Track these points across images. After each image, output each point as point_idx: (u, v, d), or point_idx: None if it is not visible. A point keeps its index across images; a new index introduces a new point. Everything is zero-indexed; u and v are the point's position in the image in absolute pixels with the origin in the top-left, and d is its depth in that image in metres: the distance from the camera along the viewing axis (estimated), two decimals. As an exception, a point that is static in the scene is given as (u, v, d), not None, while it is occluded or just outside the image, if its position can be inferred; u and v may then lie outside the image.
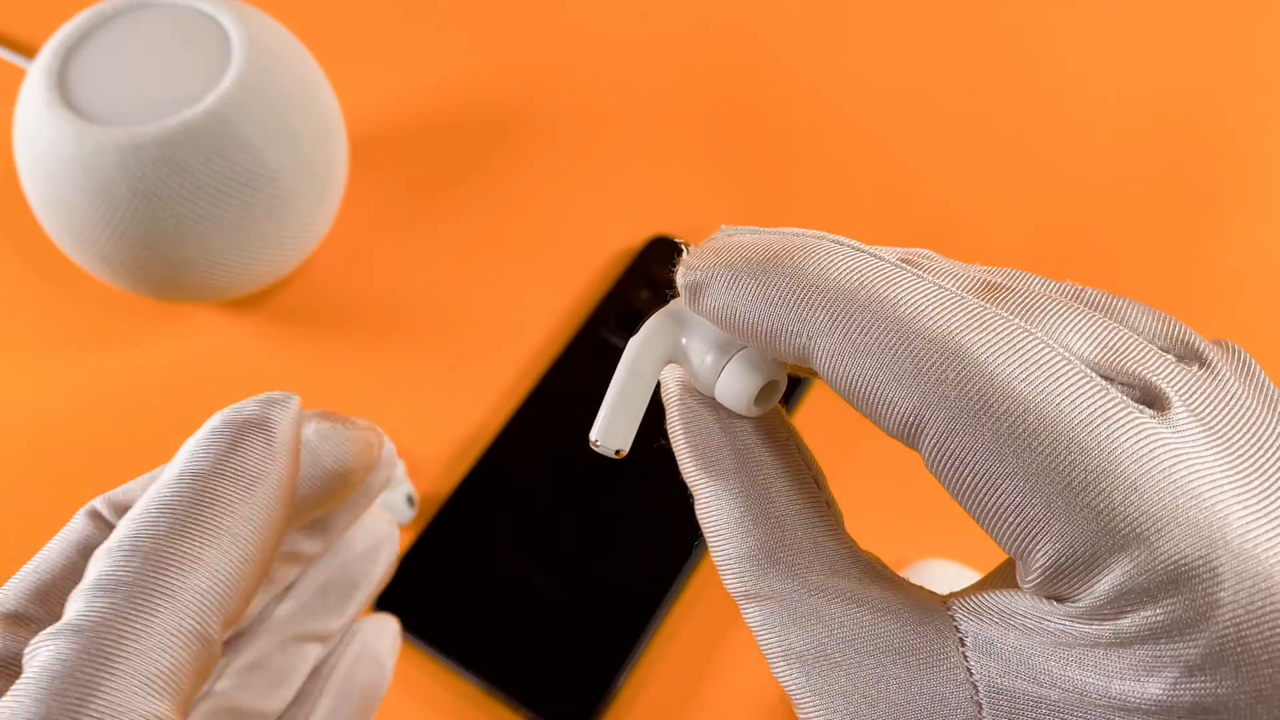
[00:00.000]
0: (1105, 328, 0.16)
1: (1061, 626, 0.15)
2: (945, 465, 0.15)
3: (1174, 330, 0.17)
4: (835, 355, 0.16)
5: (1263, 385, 0.16)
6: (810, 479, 0.19)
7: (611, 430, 0.18)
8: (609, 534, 0.41)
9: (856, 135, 0.55)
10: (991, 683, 0.16)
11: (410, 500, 0.41)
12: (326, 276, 0.49)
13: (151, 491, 0.18)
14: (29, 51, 0.57)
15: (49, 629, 0.16)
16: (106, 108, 0.40)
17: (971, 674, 0.16)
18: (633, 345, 0.19)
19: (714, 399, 0.19)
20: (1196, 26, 0.60)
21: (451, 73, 0.57)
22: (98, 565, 0.17)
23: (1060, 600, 0.15)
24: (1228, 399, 0.16)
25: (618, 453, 0.18)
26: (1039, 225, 0.51)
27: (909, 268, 0.16)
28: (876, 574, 0.18)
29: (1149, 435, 0.14)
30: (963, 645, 0.16)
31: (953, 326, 0.15)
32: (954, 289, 0.16)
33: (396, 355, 0.47)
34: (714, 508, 0.19)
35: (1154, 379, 0.15)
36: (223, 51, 0.42)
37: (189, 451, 0.19)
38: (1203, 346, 0.16)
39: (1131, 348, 0.16)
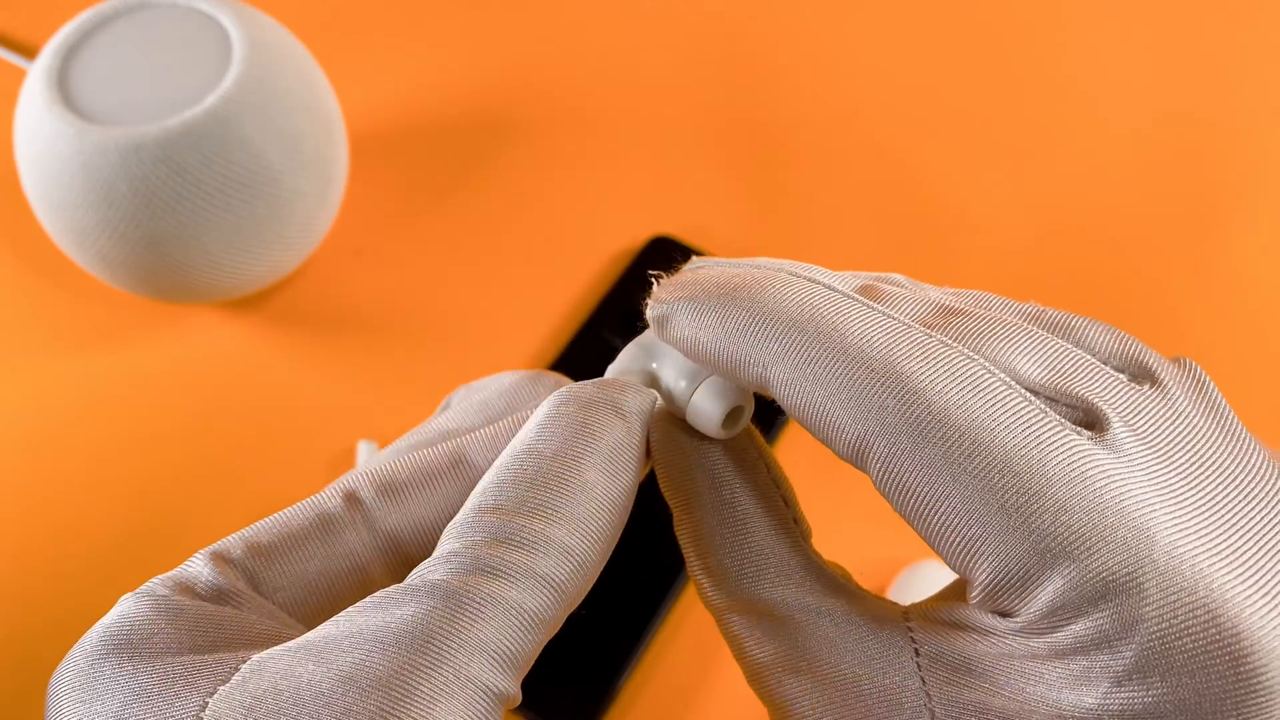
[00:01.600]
0: (1053, 349, 0.17)
1: (1005, 640, 0.16)
2: (890, 487, 0.16)
3: (1129, 349, 0.17)
4: (788, 383, 0.17)
5: (1215, 404, 0.17)
6: (779, 497, 0.20)
7: None
8: (609, 534, 0.41)
9: (857, 135, 0.55)
10: (941, 691, 0.17)
11: (410, 500, 0.41)
12: (327, 277, 0.49)
13: (524, 469, 0.18)
14: (29, 52, 0.57)
15: (414, 581, 0.16)
16: (107, 108, 0.40)
17: (925, 682, 0.17)
18: (609, 372, 0.21)
19: (687, 422, 0.20)
20: (1199, 29, 0.60)
21: (451, 73, 0.57)
22: (471, 535, 0.17)
23: (1003, 614, 0.16)
24: (1174, 417, 0.16)
25: None
26: (1040, 225, 0.51)
27: (859, 299, 0.17)
28: (840, 587, 0.19)
29: (1081, 455, 0.15)
30: (917, 655, 0.17)
31: (894, 355, 0.16)
32: (901, 318, 0.17)
33: (397, 355, 0.47)
34: (686, 525, 0.20)
35: (1095, 400, 0.16)
36: (223, 52, 0.42)
37: (561, 429, 0.19)
38: (1156, 366, 0.17)
39: (1078, 368, 0.17)
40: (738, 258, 0.20)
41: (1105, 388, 0.16)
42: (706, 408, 0.19)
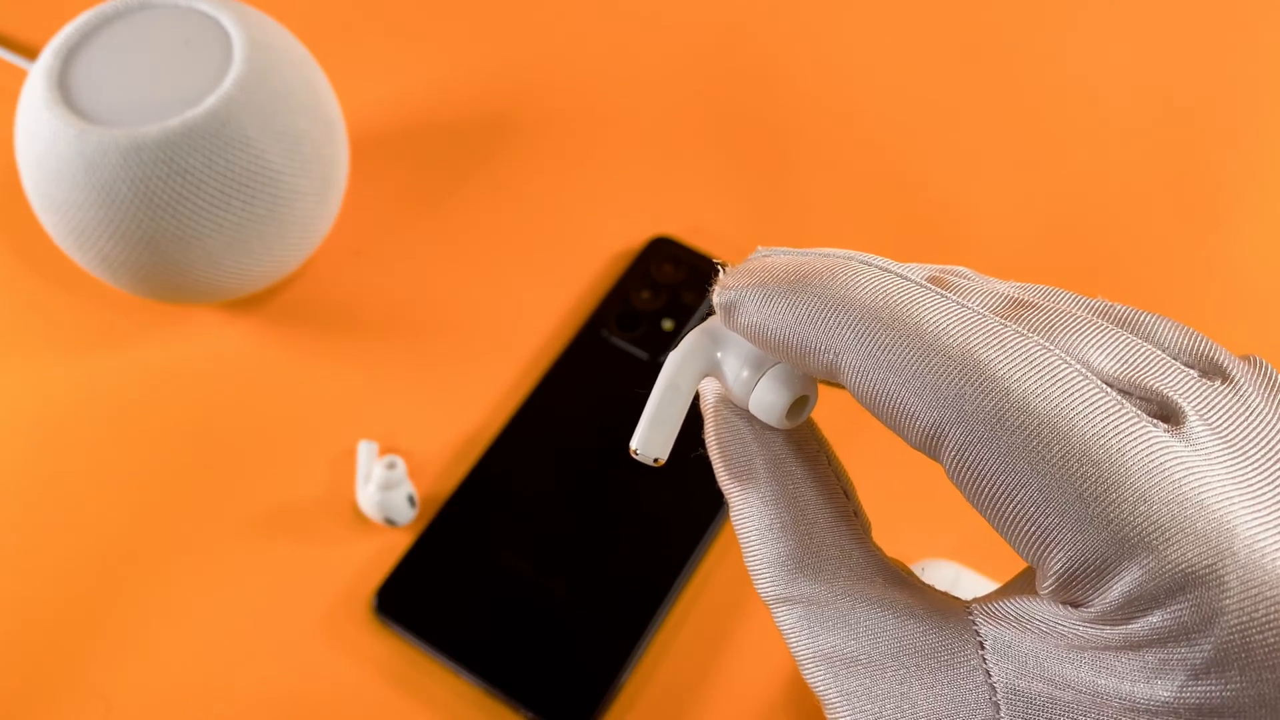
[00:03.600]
0: (1126, 343, 0.17)
1: (1075, 630, 0.16)
2: (965, 475, 0.16)
3: (1199, 345, 0.17)
4: (860, 370, 0.17)
5: None
6: (839, 489, 0.20)
7: (650, 440, 0.19)
8: (609, 534, 0.41)
9: (857, 135, 0.55)
10: (1009, 684, 0.17)
11: (410, 500, 0.41)
12: (327, 277, 0.49)
13: None
14: (30, 52, 0.57)
15: None
16: (108, 108, 0.40)
17: (990, 676, 0.17)
18: (670, 360, 0.20)
19: (749, 412, 0.20)
20: (1199, 27, 0.60)
21: (451, 73, 0.57)
22: None
23: (1074, 605, 0.16)
24: (1247, 413, 0.16)
25: (656, 461, 0.19)
26: (1039, 224, 0.51)
27: (933, 288, 0.17)
28: (901, 580, 0.19)
29: (1160, 448, 0.15)
30: (982, 648, 0.17)
31: (971, 343, 0.16)
32: (976, 308, 0.17)
33: (397, 355, 0.47)
34: (746, 515, 0.20)
35: (1170, 393, 0.16)
36: (224, 52, 0.42)
37: None
38: (1226, 361, 0.17)
39: (1151, 363, 0.17)
40: (803, 248, 0.19)
41: (1179, 382, 0.16)
42: (772, 396, 0.19)
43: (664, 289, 0.48)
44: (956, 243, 0.51)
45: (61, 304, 0.48)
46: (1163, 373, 0.16)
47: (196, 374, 0.46)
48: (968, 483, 0.16)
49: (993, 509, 0.16)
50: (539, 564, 0.40)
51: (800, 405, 0.19)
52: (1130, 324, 0.18)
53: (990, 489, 0.16)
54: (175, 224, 0.40)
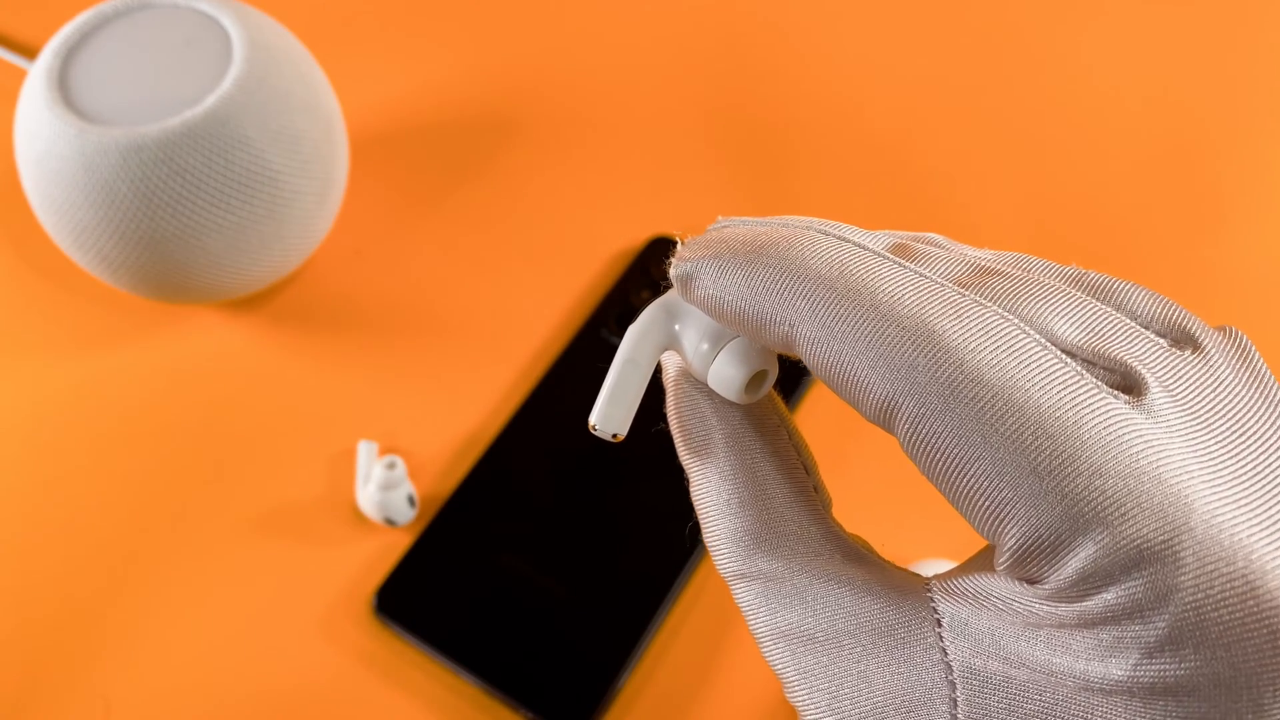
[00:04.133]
0: (1093, 311, 0.16)
1: (1031, 607, 0.16)
2: (918, 448, 0.16)
3: (1171, 314, 0.17)
4: (815, 341, 0.16)
5: (1258, 372, 0.16)
6: (799, 464, 0.20)
7: (609, 415, 0.19)
8: (609, 534, 0.41)
9: (857, 135, 0.55)
10: (965, 662, 0.16)
11: (410, 500, 0.41)
12: (327, 277, 0.49)
13: None
14: (30, 52, 0.57)
15: None
16: (107, 108, 0.40)
17: (946, 654, 0.17)
18: (629, 334, 0.20)
19: (708, 386, 0.20)
20: (1199, 27, 0.60)
21: (451, 73, 0.57)
22: None
23: (1030, 582, 0.15)
24: (1214, 384, 0.16)
25: (615, 436, 0.19)
26: (1040, 224, 0.51)
27: (891, 257, 0.17)
28: (860, 557, 0.19)
29: (1117, 419, 0.15)
30: (939, 626, 0.17)
31: (926, 313, 0.16)
32: (935, 277, 0.16)
33: (397, 355, 0.47)
34: (704, 489, 0.20)
35: (1134, 363, 0.16)
36: (223, 52, 0.42)
37: None
38: (1198, 331, 0.17)
39: (1118, 331, 0.16)
40: (764, 216, 0.19)
41: (1144, 351, 0.16)
42: (730, 370, 0.19)
43: (664, 289, 0.48)
44: (957, 240, 0.51)
45: (61, 304, 0.48)
46: (1129, 342, 0.16)
47: (196, 374, 0.46)
48: (921, 456, 0.16)
49: (946, 483, 0.15)
50: (539, 564, 0.40)
51: (759, 379, 0.19)
52: (1102, 291, 0.17)
53: (944, 462, 0.15)
54: (175, 224, 0.40)
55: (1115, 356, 0.16)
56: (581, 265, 0.49)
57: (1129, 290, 0.17)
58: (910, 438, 0.16)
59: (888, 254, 0.17)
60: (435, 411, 0.45)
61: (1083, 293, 0.17)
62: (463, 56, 0.58)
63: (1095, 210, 0.52)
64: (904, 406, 0.15)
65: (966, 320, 0.16)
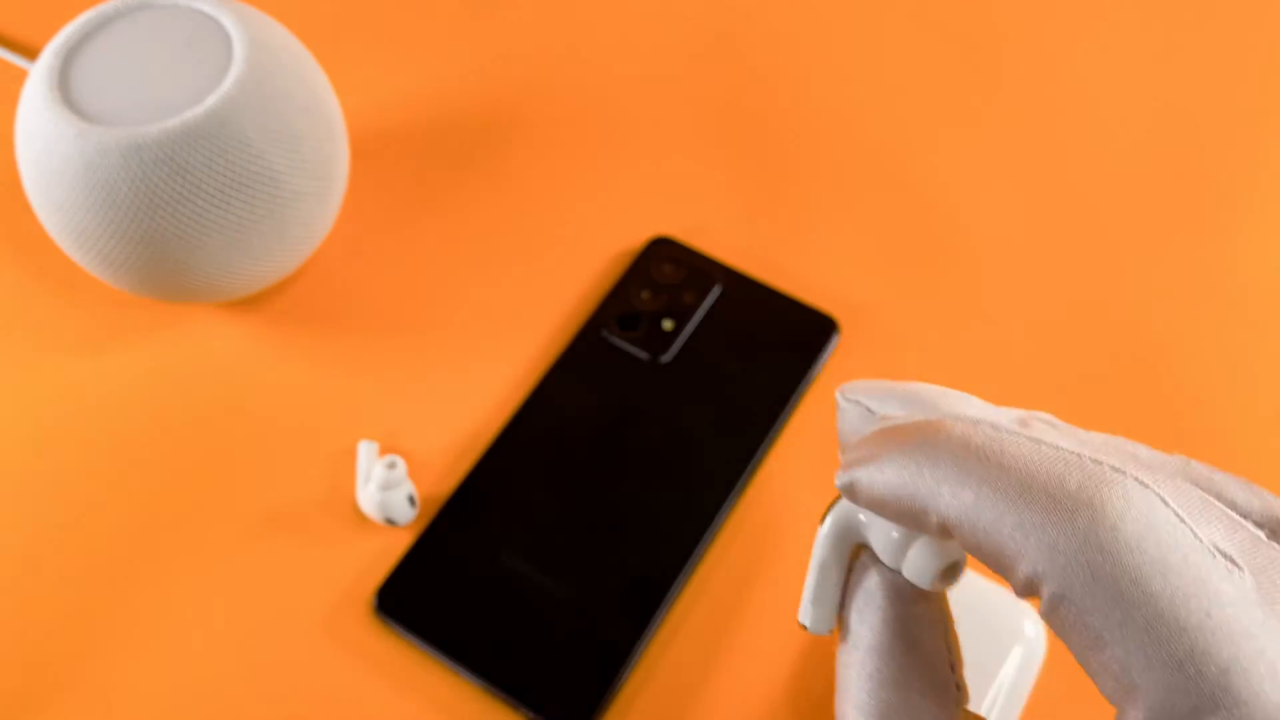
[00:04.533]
0: (1201, 503, 0.17)
1: None
2: (1059, 620, 0.17)
3: (1269, 506, 0.18)
4: (965, 524, 0.18)
5: None
6: (948, 660, 0.21)
7: (817, 617, 0.21)
8: (609, 534, 0.41)
9: (857, 135, 0.55)
10: None
11: (410, 500, 0.41)
12: (328, 277, 0.49)
13: None
14: (30, 52, 0.57)
15: None
16: (108, 109, 0.40)
17: None
18: (820, 537, 0.22)
19: (891, 570, 0.21)
20: (1199, 27, 0.60)
21: (452, 73, 0.57)
22: None
23: None
24: None
25: (830, 631, 0.21)
26: (1040, 224, 0.52)
27: (1025, 436, 0.18)
28: None
29: (1244, 614, 0.16)
30: None
31: (1072, 486, 0.17)
32: (1072, 449, 0.18)
33: (397, 355, 0.47)
34: (853, 656, 0.21)
35: (1235, 555, 0.17)
36: (224, 52, 0.42)
37: None
38: None
39: (1221, 523, 0.17)
40: (888, 381, 0.21)
41: (1244, 543, 0.17)
42: (923, 562, 0.20)
43: (664, 289, 0.48)
44: (956, 242, 0.51)
45: (61, 304, 0.48)
46: (1231, 533, 0.17)
47: (197, 374, 0.46)
48: (1063, 628, 0.17)
49: (1081, 655, 0.16)
50: (539, 564, 0.40)
51: (951, 570, 0.20)
52: (1203, 481, 0.18)
53: (1083, 636, 0.16)
54: (175, 224, 0.40)
55: (1220, 547, 0.17)
56: (581, 265, 0.49)
57: (1229, 483, 0.18)
58: (1051, 609, 0.17)
59: (1021, 431, 0.18)
60: (435, 411, 0.45)
61: (1188, 483, 0.18)
62: (463, 56, 0.58)
63: (1093, 213, 0.52)
64: (1049, 579, 0.16)
65: (1116, 495, 0.16)
